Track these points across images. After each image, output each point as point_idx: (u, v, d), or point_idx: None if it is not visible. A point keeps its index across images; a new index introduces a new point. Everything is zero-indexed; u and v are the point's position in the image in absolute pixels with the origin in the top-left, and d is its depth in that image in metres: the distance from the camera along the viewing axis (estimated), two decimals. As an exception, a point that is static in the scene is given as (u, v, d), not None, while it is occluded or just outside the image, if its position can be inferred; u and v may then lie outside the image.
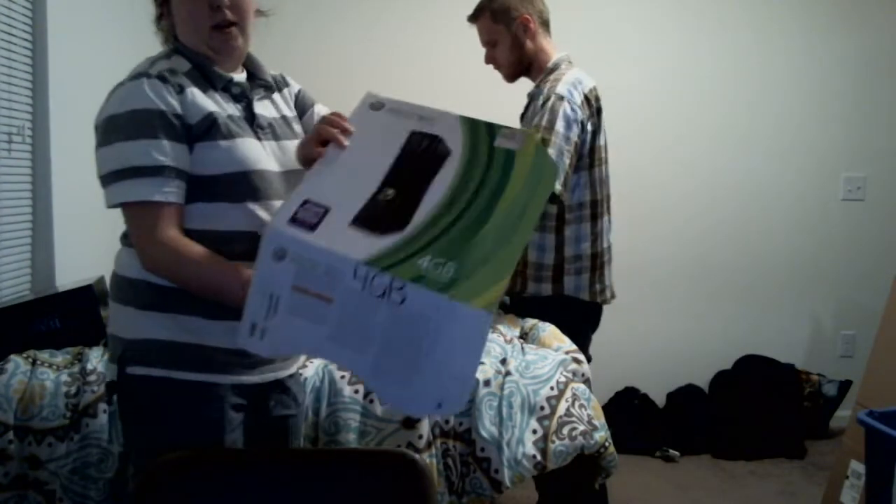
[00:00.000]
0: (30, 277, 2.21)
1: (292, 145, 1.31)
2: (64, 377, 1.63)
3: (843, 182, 3.40)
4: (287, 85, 1.44)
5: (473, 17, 2.18)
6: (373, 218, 1.07)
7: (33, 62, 2.20)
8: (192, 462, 1.13)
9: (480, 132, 1.17)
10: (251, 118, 1.29)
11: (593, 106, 2.11)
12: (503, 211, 1.08)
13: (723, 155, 3.36)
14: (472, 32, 2.22)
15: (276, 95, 1.39)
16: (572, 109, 2.02)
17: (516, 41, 2.14)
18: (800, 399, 3.21)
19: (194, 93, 1.23)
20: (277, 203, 1.25)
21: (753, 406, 3.16)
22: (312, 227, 1.05)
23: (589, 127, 2.08)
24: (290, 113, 1.40)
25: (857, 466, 2.16)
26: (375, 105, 1.23)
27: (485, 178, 1.11)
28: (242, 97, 1.30)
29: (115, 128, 1.18)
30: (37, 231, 2.23)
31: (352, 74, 3.26)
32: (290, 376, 1.36)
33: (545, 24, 2.19)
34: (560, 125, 1.99)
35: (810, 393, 3.22)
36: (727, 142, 3.36)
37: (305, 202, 1.08)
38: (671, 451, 3.09)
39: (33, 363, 1.67)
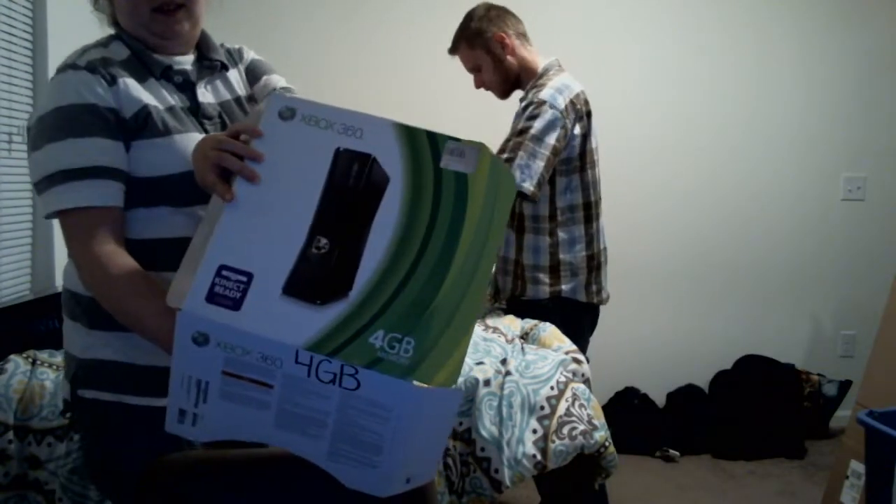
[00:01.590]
0: (30, 277, 2.21)
1: None
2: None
3: (843, 182, 3.40)
4: (242, 58, 1.30)
5: (453, 50, 2.25)
6: (307, 282, 0.88)
7: (33, 62, 2.20)
8: (192, 462, 1.13)
9: (422, 148, 0.94)
10: (196, 108, 1.17)
11: (580, 110, 2.11)
12: (462, 255, 0.90)
13: (722, 155, 3.36)
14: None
15: (230, 73, 1.25)
16: (553, 114, 2.02)
17: (497, 60, 2.18)
18: (800, 399, 3.21)
19: (128, 83, 1.10)
20: None
21: (753, 406, 3.16)
22: (236, 305, 0.87)
23: (577, 131, 2.09)
24: (243, 92, 1.27)
25: (857, 466, 2.16)
26: (285, 112, 0.97)
27: (435, 214, 0.91)
28: (186, 86, 1.18)
29: (42, 129, 1.07)
30: (37, 231, 2.23)
31: (352, 77, 3.27)
32: None
33: (522, 36, 2.22)
34: (537, 127, 2.00)
35: (810, 393, 3.22)
36: (727, 142, 3.36)
37: (221, 269, 0.89)
38: (671, 451, 3.09)
39: (33, 363, 1.67)
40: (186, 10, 1.15)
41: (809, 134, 3.37)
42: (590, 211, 2.15)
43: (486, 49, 2.17)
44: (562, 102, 2.05)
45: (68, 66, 1.09)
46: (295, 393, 0.87)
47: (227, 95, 1.24)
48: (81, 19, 2.35)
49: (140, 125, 1.10)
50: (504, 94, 2.26)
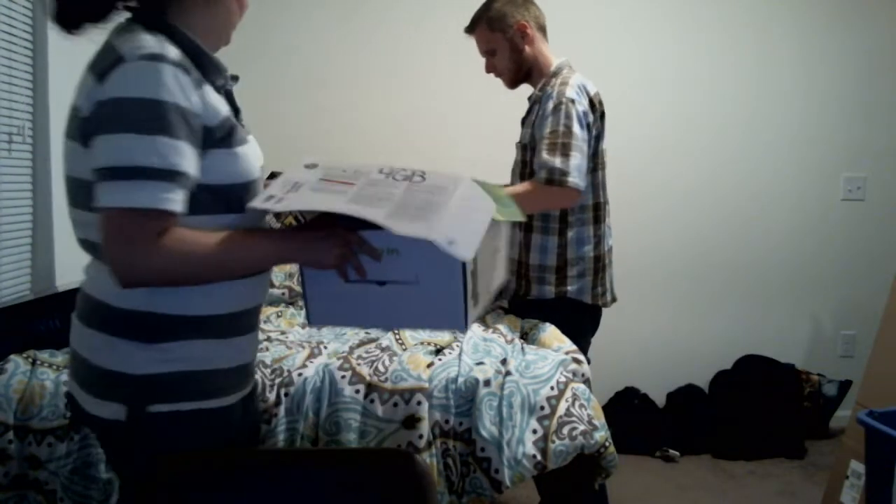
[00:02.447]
0: (30, 277, 2.21)
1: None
2: (64, 377, 1.63)
3: (843, 182, 3.40)
4: (238, 79, 1.30)
5: (470, 28, 2.19)
6: None
7: (33, 62, 2.20)
8: (192, 463, 1.13)
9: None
10: (236, 113, 1.18)
11: (598, 110, 2.12)
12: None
13: (723, 155, 3.36)
14: (471, 39, 2.22)
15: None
16: (583, 111, 2.04)
17: (514, 48, 2.15)
18: (800, 399, 3.21)
19: (207, 90, 1.08)
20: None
21: (753, 406, 3.16)
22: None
23: (594, 131, 2.10)
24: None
25: (857, 466, 2.16)
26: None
27: None
28: (223, 89, 1.16)
29: (123, 115, 1.00)
30: (37, 231, 2.23)
31: (351, 77, 3.27)
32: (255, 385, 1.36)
33: (542, 30, 2.20)
34: (576, 127, 2.01)
35: (810, 393, 3.22)
36: (727, 142, 3.36)
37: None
38: (671, 451, 3.09)
39: (33, 363, 1.67)
40: None
41: (809, 134, 3.37)
42: (599, 212, 2.15)
43: (506, 35, 2.14)
44: (585, 100, 2.06)
45: (159, 58, 1.01)
46: (372, 184, 1.09)
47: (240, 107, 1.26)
48: (81, 19, 2.36)
49: (224, 135, 1.09)
50: (513, 83, 2.23)
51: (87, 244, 1.15)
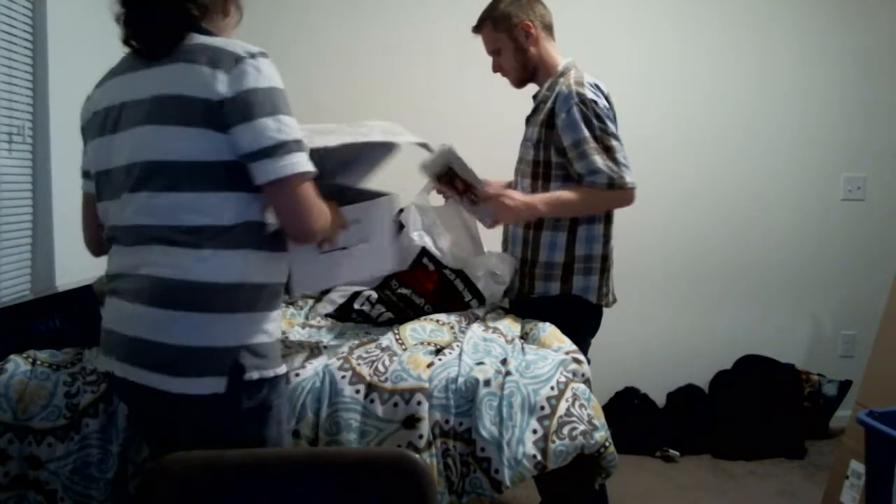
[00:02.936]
0: (30, 277, 2.21)
1: None
2: (64, 377, 1.63)
3: (843, 182, 3.40)
4: None
5: (477, 28, 2.21)
6: None
7: (33, 62, 2.20)
8: (193, 463, 1.13)
9: None
10: None
11: (612, 108, 2.14)
12: None
13: (723, 155, 3.36)
14: (473, 35, 2.23)
15: None
16: (606, 108, 2.07)
17: (519, 47, 2.16)
18: (800, 399, 3.21)
19: None
20: None
21: (753, 406, 3.16)
22: None
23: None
24: None
25: (857, 466, 2.16)
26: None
27: None
28: None
29: (281, 99, 1.24)
30: (37, 231, 2.23)
31: (352, 77, 3.27)
32: None
33: (548, 29, 2.21)
34: (610, 126, 2.04)
35: (810, 393, 3.22)
36: (727, 142, 3.36)
37: None
38: (671, 451, 3.09)
39: (33, 363, 1.67)
40: None
41: (809, 134, 3.37)
42: (610, 213, 2.17)
43: (510, 34, 2.15)
44: (603, 99, 2.08)
45: (265, 54, 1.26)
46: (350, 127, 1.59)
47: None
48: (81, 19, 2.36)
49: None
50: (520, 82, 2.24)
51: (172, 230, 1.24)
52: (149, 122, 1.24)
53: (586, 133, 2.01)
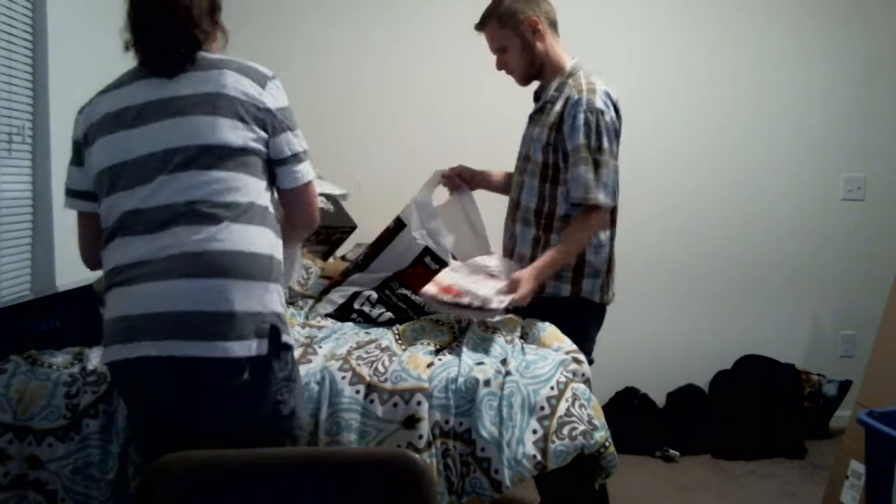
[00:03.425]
0: (30, 277, 2.21)
1: None
2: (64, 377, 1.63)
3: (843, 182, 3.40)
4: None
5: (481, 25, 2.17)
6: None
7: (33, 62, 2.20)
8: (193, 463, 1.13)
9: None
10: None
11: (620, 117, 2.12)
12: None
13: (722, 155, 3.36)
14: (471, 32, 2.21)
15: None
16: (612, 122, 2.05)
17: (526, 44, 2.13)
18: (800, 399, 3.21)
19: None
20: None
21: (753, 406, 3.16)
22: None
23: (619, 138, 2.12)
24: None
25: (857, 466, 2.16)
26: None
27: None
28: None
29: (294, 115, 1.51)
30: (37, 231, 2.22)
31: (351, 76, 3.27)
32: None
33: (553, 25, 2.18)
34: (605, 142, 2.03)
35: (810, 393, 3.22)
36: (727, 142, 3.36)
37: None
38: (671, 451, 3.09)
39: (33, 363, 1.67)
40: None
41: (809, 134, 3.37)
42: (615, 214, 2.17)
43: (517, 31, 2.12)
44: (612, 111, 2.07)
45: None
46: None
47: None
48: (81, 19, 2.36)
49: None
50: (525, 80, 2.21)
51: (212, 205, 1.38)
52: (197, 112, 1.40)
53: (583, 141, 2.01)
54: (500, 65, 2.20)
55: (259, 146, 1.44)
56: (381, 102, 3.27)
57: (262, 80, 1.46)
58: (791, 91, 3.35)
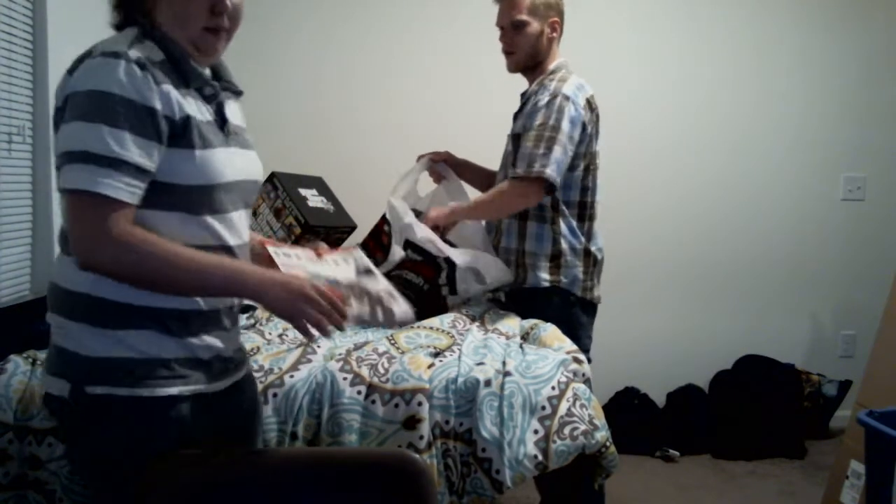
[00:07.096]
0: (30, 277, 2.21)
1: (251, 155, 1.28)
2: (64, 377, 1.63)
3: (843, 182, 3.40)
4: (241, 93, 1.34)
5: None
6: None
7: (33, 62, 2.20)
8: (192, 463, 1.13)
9: None
10: (222, 123, 1.22)
11: (594, 111, 2.16)
12: None
13: (723, 155, 3.36)
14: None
15: (237, 101, 1.32)
16: (576, 110, 2.08)
17: (540, 36, 2.18)
18: (800, 399, 3.21)
19: (170, 90, 1.12)
20: (234, 215, 1.21)
21: (753, 406, 3.16)
22: None
23: (589, 130, 2.14)
24: (243, 123, 1.32)
25: (857, 466, 2.16)
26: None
27: None
28: (213, 98, 1.22)
29: (76, 105, 1.08)
30: (37, 231, 2.23)
31: (351, 76, 3.26)
32: (245, 376, 1.35)
33: (562, 32, 2.25)
34: (565, 124, 2.06)
35: (810, 393, 3.22)
36: (727, 142, 3.36)
37: None
38: (671, 451, 3.09)
39: (33, 363, 1.67)
40: (228, 34, 1.21)
41: (809, 134, 3.37)
42: (584, 210, 2.19)
43: (543, 21, 2.17)
44: (582, 100, 2.11)
45: (119, 55, 1.08)
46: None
47: (240, 121, 1.30)
48: (81, 19, 2.35)
49: (179, 135, 1.12)
50: (520, 66, 2.23)
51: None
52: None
53: (540, 121, 2.06)
54: (507, 41, 2.22)
55: None
56: (382, 102, 3.26)
57: (74, 68, 1.17)
58: (791, 91, 3.35)
